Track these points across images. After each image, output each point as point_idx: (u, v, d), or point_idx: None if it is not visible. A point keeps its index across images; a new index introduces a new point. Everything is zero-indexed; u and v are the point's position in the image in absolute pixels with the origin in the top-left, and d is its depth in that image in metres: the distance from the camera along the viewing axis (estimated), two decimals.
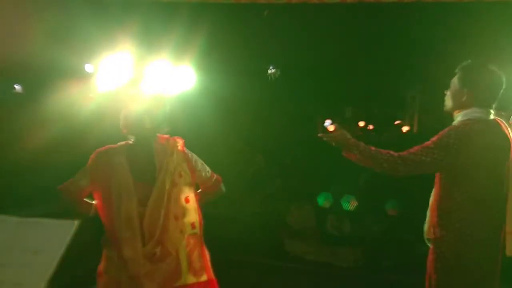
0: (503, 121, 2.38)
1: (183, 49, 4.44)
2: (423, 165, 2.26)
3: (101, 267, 2.26)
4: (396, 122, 10.41)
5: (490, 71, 2.34)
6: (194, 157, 2.44)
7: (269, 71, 5.94)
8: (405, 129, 10.07)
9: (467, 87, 2.32)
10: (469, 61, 2.40)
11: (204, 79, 5.11)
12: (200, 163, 2.45)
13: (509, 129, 2.36)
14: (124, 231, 2.14)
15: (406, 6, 3.75)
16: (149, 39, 4.29)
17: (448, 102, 2.44)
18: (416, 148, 2.31)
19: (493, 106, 2.35)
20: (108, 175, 2.19)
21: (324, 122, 10.85)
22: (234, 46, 4.76)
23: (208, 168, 2.50)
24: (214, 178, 2.51)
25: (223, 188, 2.57)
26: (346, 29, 4.39)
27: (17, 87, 5.56)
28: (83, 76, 4.41)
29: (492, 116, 2.34)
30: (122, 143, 2.31)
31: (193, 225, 2.28)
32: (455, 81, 2.41)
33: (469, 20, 3.78)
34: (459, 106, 2.36)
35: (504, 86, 2.34)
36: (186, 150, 2.40)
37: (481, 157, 2.19)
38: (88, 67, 4.48)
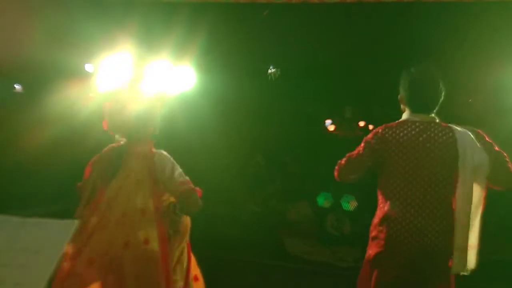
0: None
1: (183, 49, 4.44)
2: None
3: None
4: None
5: (410, 74, 2.53)
6: (165, 163, 2.17)
7: (269, 71, 5.93)
8: None
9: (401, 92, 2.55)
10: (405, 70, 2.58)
11: (204, 79, 5.12)
12: (169, 170, 2.15)
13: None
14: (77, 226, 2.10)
15: (406, 6, 3.75)
16: (149, 39, 4.29)
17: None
18: None
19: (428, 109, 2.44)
20: (92, 174, 2.21)
21: (324, 122, 10.84)
22: (234, 46, 4.76)
23: (180, 177, 2.16)
24: (183, 188, 2.15)
25: (198, 200, 2.20)
26: (346, 29, 4.39)
27: (17, 87, 5.56)
28: (83, 76, 4.42)
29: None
30: (114, 144, 2.31)
31: (146, 240, 2.01)
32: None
33: (469, 20, 3.78)
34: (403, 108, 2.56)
35: (437, 86, 2.48)
36: (157, 156, 2.18)
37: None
38: (88, 67, 4.48)
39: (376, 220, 2.51)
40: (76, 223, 1.26)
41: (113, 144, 2.32)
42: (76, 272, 1.96)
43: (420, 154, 2.27)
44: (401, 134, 2.34)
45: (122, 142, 2.27)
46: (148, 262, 2.00)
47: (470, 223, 2.24)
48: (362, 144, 2.45)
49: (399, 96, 2.56)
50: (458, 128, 2.36)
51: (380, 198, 2.56)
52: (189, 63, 4.69)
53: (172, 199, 2.22)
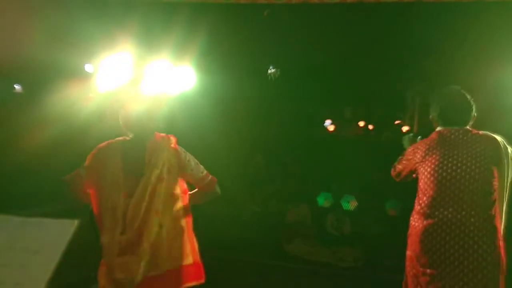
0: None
1: (183, 49, 4.44)
2: None
3: (101, 269, 2.30)
4: (396, 122, 10.41)
5: (441, 95, 2.86)
6: (188, 156, 2.45)
7: (269, 71, 5.93)
8: (405, 129, 10.07)
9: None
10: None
11: (204, 79, 5.12)
12: (193, 162, 2.47)
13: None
14: (107, 221, 2.25)
15: (406, 6, 3.75)
16: (149, 39, 4.29)
17: None
18: None
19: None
20: (102, 168, 2.31)
21: (324, 122, 10.85)
22: (234, 46, 4.76)
23: (202, 168, 2.51)
24: (209, 178, 2.51)
25: (218, 189, 2.56)
26: (346, 29, 4.39)
27: (17, 87, 5.56)
28: (83, 76, 4.42)
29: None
30: (120, 138, 2.40)
31: (175, 218, 2.32)
32: None
33: (469, 20, 3.78)
34: None
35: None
36: (180, 149, 2.43)
37: None
38: (88, 67, 4.48)
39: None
40: (76, 223, 1.26)
41: (111, 141, 2.39)
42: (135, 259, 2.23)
43: (449, 156, 2.48)
44: (430, 141, 2.64)
45: (129, 138, 2.39)
46: (177, 236, 2.33)
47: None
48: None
49: (430, 117, 2.86)
50: (492, 135, 2.56)
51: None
52: (189, 63, 4.70)
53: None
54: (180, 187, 2.40)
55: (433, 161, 2.49)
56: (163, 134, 2.44)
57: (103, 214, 2.29)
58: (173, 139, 2.43)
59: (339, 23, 4.25)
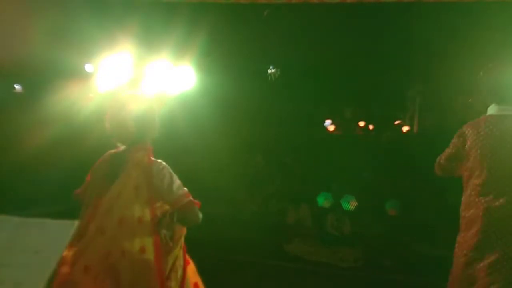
0: None
1: (183, 49, 4.44)
2: None
3: None
4: (396, 122, 10.42)
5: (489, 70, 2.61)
6: (164, 174, 2.13)
7: (269, 71, 5.93)
8: (405, 129, 10.08)
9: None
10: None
11: (204, 79, 5.12)
12: (168, 181, 2.12)
13: None
14: (74, 232, 2.09)
15: (406, 6, 3.76)
16: (149, 39, 4.29)
17: None
18: None
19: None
20: (92, 180, 2.21)
21: (324, 122, 10.85)
22: (234, 46, 4.76)
23: (178, 187, 2.14)
24: (186, 200, 2.13)
25: (198, 215, 2.19)
26: (346, 29, 4.39)
27: (17, 87, 5.56)
28: (83, 76, 4.42)
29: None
30: (113, 150, 2.27)
31: (142, 249, 2.00)
32: None
33: (469, 20, 3.78)
34: None
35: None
36: (156, 166, 2.15)
37: None
38: (88, 67, 4.48)
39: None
40: (76, 223, 1.26)
41: (112, 151, 2.27)
42: (73, 279, 1.96)
43: (497, 146, 2.34)
44: (479, 129, 2.42)
45: (121, 149, 2.23)
46: (144, 271, 2.01)
47: None
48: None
49: (480, 95, 2.62)
50: None
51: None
52: (189, 63, 4.69)
53: (166, 207, 2.17)
54: (153, 213, 2.08)
55: (480, 151, 2.34)
56: (148, 148, 2.20)
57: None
58: (148, 151, 2.17)
59: (339, 23, 4.26)
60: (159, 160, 2.19)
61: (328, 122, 10.82)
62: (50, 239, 1.21)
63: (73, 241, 1.96)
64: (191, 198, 2.16)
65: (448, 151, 2.59)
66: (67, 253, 1.97)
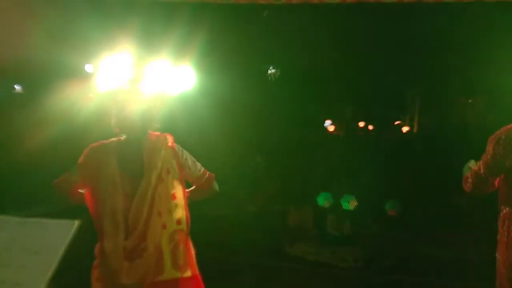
0: None
1: (183, 49, 4.44)
2: None
3: (95, 273, 2.27)
4: (396, 122, 10.42)
5: None
6: (185, 154, 2.40)
7: (269, 71, 5.93)
8: (405, 129, 10.08)
9: None
10: None
11: (204, 79, 5.12)
12: (191, 160, 2.41)
13: None
14: (108, 225, 2.19)
15: (406, 6, 3.75)
16: (149, 39, 4.29)
17: None
18: None
19: None
20: (97, 170, 2.24)
21: (324, 122, 10.85)
22: (234, 46, 4.76)
23: (200, 166, 2.45)
24: (206, 175, 2.45)
25: (216, 186, 2.51)
26: (346, 29, 4.39)
27: (17, 87, 5.56)
28: (83, 76, 4.42)
29: None
30: (114, 139, 2.33)
31: (178, 221, 2.27)
32: None
33: (469, 20, 3.78)
34: None
35: None
36: (177, 147, 2.38)
37: None
38: (88, 67, 4.48)
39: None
40: (76, 223, 1.26)
41: (105, 141, 2.32)
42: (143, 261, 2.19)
43: None
44: None
45: (123, 139, 2.30)
46: (181, 240, 2.25)
47: None
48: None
49: None
50: None
51: None
52: (189, 63, 4.69)
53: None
54: (181, 187, 2.34)
55: None
56: (158, 133, 2.38)
57: (102, 219, 2.22)
58: (169, 138, 2.37)
59: (339, 23, 4.26)
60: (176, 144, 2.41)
61: (328, 122, 10.82)
62: (50, 239, 1.21)
63: (114, 231, 2.18)
64: (210, 173, 2.46)
65: (488, 161, 2.25)
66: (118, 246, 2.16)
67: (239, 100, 7.54)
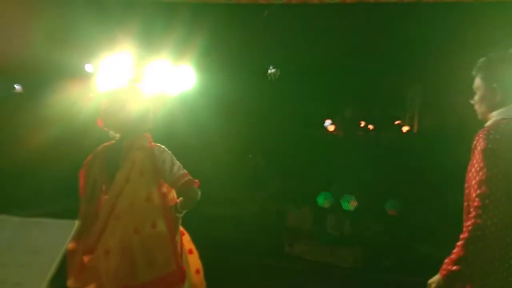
0: None
1: (183, 49, 4.44)
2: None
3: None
4: (396, 122, 10.42)
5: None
6: (165, 156, 2.25)
7: (269, 71, 5.93)
8: (405, 129, 10.08)
9: (496, 83, 1.95)
10: (488, 56, 2.07)
11: (204, 79, 5.12)
12: (169, 163, 2.23)
13: None
14: (77, 227, 2.13)
15: (406, 6, 3.76)
16: (149, 39, 4.29)
17: (480, 109, 2.05)
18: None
19: None
20: (87, 179, 2.25)
21: (324, 122, 10.85)
22: (234, 46, 4.76)
23: (177, 169, 2.24)
24: (183, 180, 2.22)
25: (197, 193, 2.25)
26: (346, 29, 4.39)
27: (17, 87, 5.56)
28: (83, 76, 4.42)
29: None
30: (107, 143, 2.33)
31: (153, 225, 2.15)
32: (479, 82, 2.05)
33: (469, 20, 3.78)
34: (493, 107, 1.97)
35: None
36: (157, 148, 2.27)
37: None
38: (88, 67, 4.48)
39: None
40: (76, 223, 1.26)
41: (106, 143, 2.33)
42: (94, 264, 2.10)
43: None
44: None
45: (115, 140, 2.31)
46: (156, 242, 2.15)
47: None
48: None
49: (494, 87, 1.95)
50: None
51: None
52: (189, 63, 4.69)
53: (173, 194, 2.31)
54: (157, 189, 2.21)
55: None
56: (142, 133, 2.30)
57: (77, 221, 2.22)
58: (148, 138, 2.28)
59: (339, 23, 4.26)
60: (159, 144, 2.30)
61: (328, 122, 10.82)
62: (50, 239, 1.21)
63: (82, 233, 2.09)
64: (190, 177, 2.26)
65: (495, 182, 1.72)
66: (83, 244, 2.09)
67: (239, 100, 7.54)
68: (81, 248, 2.09)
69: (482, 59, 2.08)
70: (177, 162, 2.28)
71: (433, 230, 5.35)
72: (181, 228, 2.36)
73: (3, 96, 5.43)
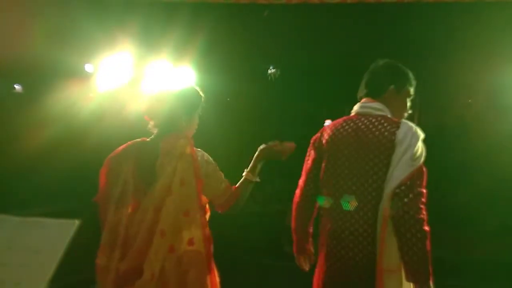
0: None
1: (183, 49, 4.45)
2: None
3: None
4: None
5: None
6: (208, 164, 2.05)
7: (269, 71, 5.93)
8: None
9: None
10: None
11: (204, 79, 5.11)
12: (212, 170, 2.05)
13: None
14: (106, 236, 1.90)
15: (406, 6, 3.76)
16: (149, 39, 4.29)
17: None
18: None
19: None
20: (114, 180, 1.97)
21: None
22: (234, 46, 4.76)
23: (222, 180, 2.09)
24: (229, 193, 2.09)
25: (238, 208, 2.15)
26: (346, 29, 4.39)
27: (17, 87, 5.56)
28: (83, 76, 4.42)
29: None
30: (138, 140, 2.07)
31: (190, 242, 1.92)
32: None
33: (469, 20, 3.78)
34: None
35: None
36: (199, 154, 2.04)
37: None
38: (88, 67, 4.48)
39: None
40: (76, 223, 1.26)
41: (137, 140, 2.07)
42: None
43: None
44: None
45: (149, 138, 2.06)
46: (192, 261, 1.93)
47: None
48: None
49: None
50: None
51: None
52: (189, 63, 4.70)
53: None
54: (197, 202, 1.96)
55: None
56: (183, 135, 2.04)
57: (104, 229, 1.92)
58: (189, 142, 2.00)
59: (339, 23, 4.26)
60: (199, 149, 2.10)
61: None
62: (50, 239, 1.21)
63: (112, 246, 1.89)
64: (232, 191, 2.14)
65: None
66: (111, 261, 1.87)
67: (239, 100, 7.53)
68: (115, 265, 1.86)
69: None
70: (219, 171, 2.13)
71: (433, 230, 5.34)
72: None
73: (2, 96, 5.43)
